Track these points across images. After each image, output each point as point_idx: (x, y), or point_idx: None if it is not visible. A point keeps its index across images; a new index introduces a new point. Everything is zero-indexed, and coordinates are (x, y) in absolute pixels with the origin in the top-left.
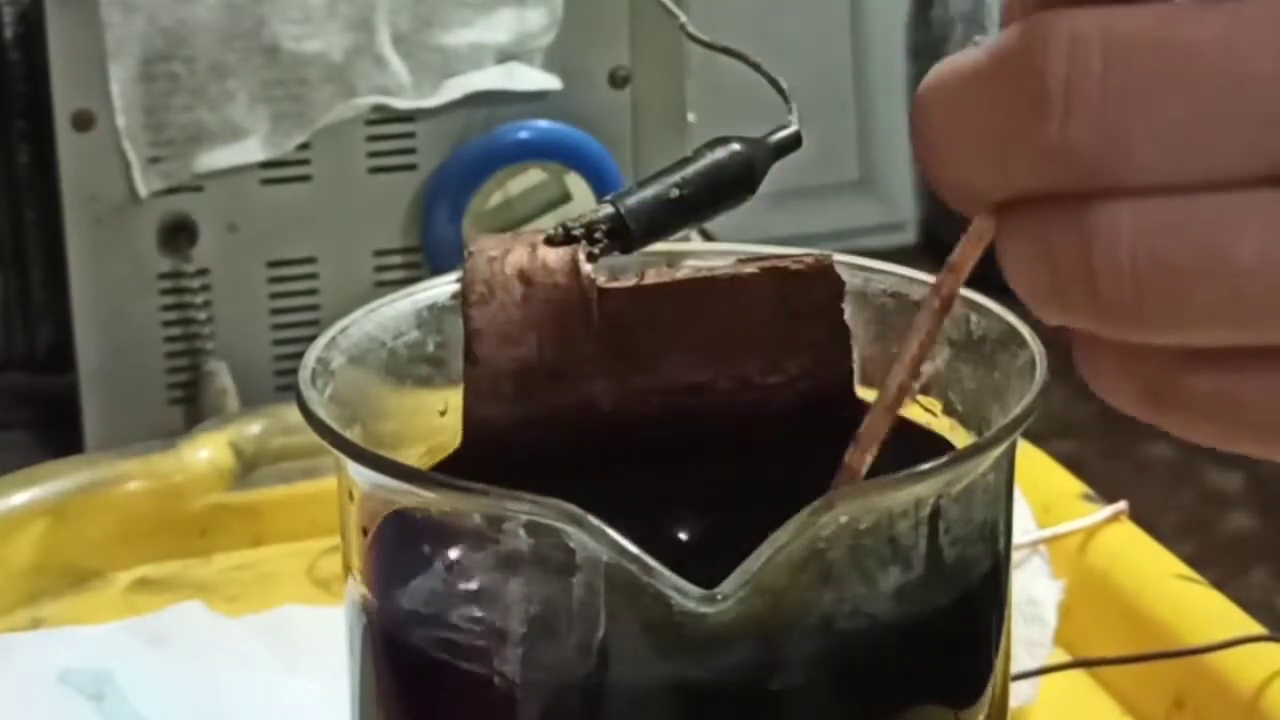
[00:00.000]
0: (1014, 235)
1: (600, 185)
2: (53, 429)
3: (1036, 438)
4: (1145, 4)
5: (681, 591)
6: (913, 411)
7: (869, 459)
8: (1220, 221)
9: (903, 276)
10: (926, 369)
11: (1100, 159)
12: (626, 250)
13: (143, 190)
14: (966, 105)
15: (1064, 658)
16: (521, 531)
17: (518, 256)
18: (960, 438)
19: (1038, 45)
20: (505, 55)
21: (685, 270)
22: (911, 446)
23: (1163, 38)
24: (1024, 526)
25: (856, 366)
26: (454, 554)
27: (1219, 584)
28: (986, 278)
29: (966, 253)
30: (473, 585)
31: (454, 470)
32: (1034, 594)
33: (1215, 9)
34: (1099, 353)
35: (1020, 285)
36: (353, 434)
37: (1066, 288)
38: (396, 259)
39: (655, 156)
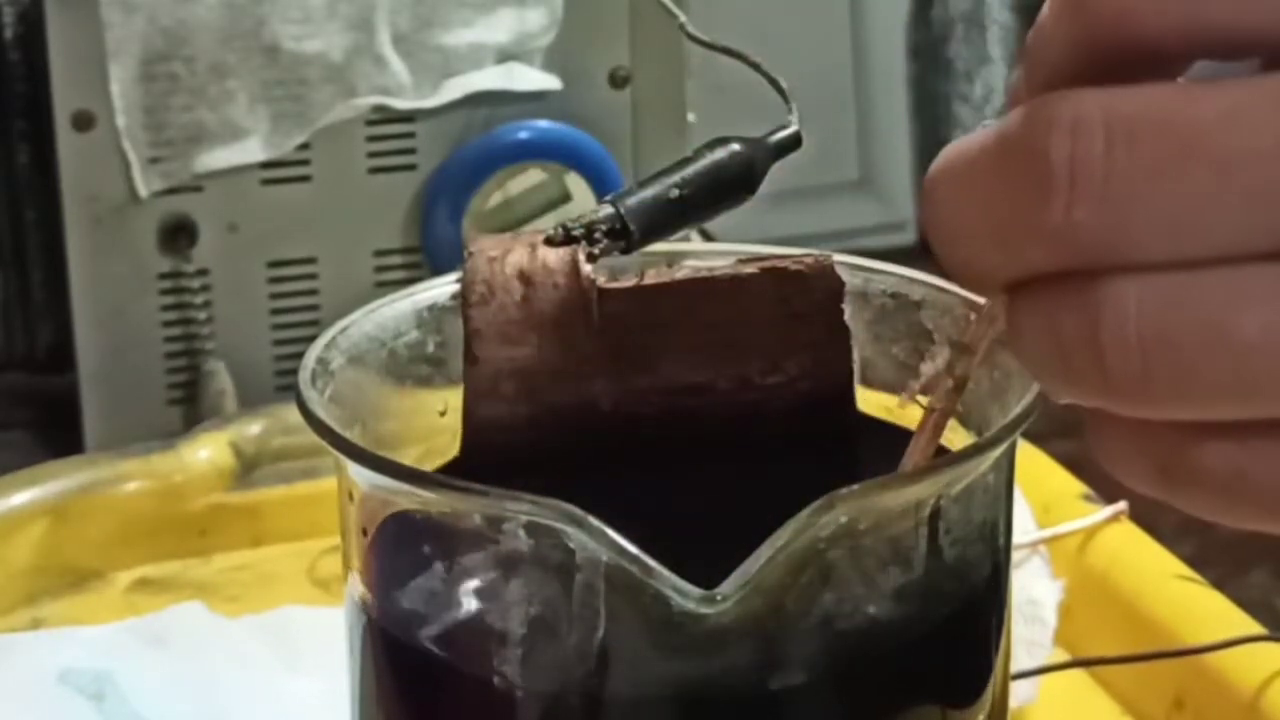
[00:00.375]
0: (1023, 315)
1: (600, 185)
2: (53, 429)
3: (1036, 438)
4: (1149, 85)
5: (681, 592)
6: (913, 412)
7: None
8: (1224, 297)
9: (903, 276)
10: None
11: (1105, 238)
12: (626, 250)
13: (143, 190)
14: (973, 188)
15: (1064, 658)
16: (521, 532)
17: (518, 256)
18: (960, 438)
19: (1041, 127)
20: (505, 55)
21: (685, 270)
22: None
23: (1165, 117)
24: (1024, 526)
25: (856, 366)
26: (454, 555)
27: (1219, 584)
28: None
29: (978, 333)
30: (473, 586)
31: (454, 471)
32: (1034, 594)
33: (1217, 89)
34: (1110, 431)
35: (1030, 363)
36: (353, 434)
37: (1074, 364)
38: (396, 259)
39: (655, 156)
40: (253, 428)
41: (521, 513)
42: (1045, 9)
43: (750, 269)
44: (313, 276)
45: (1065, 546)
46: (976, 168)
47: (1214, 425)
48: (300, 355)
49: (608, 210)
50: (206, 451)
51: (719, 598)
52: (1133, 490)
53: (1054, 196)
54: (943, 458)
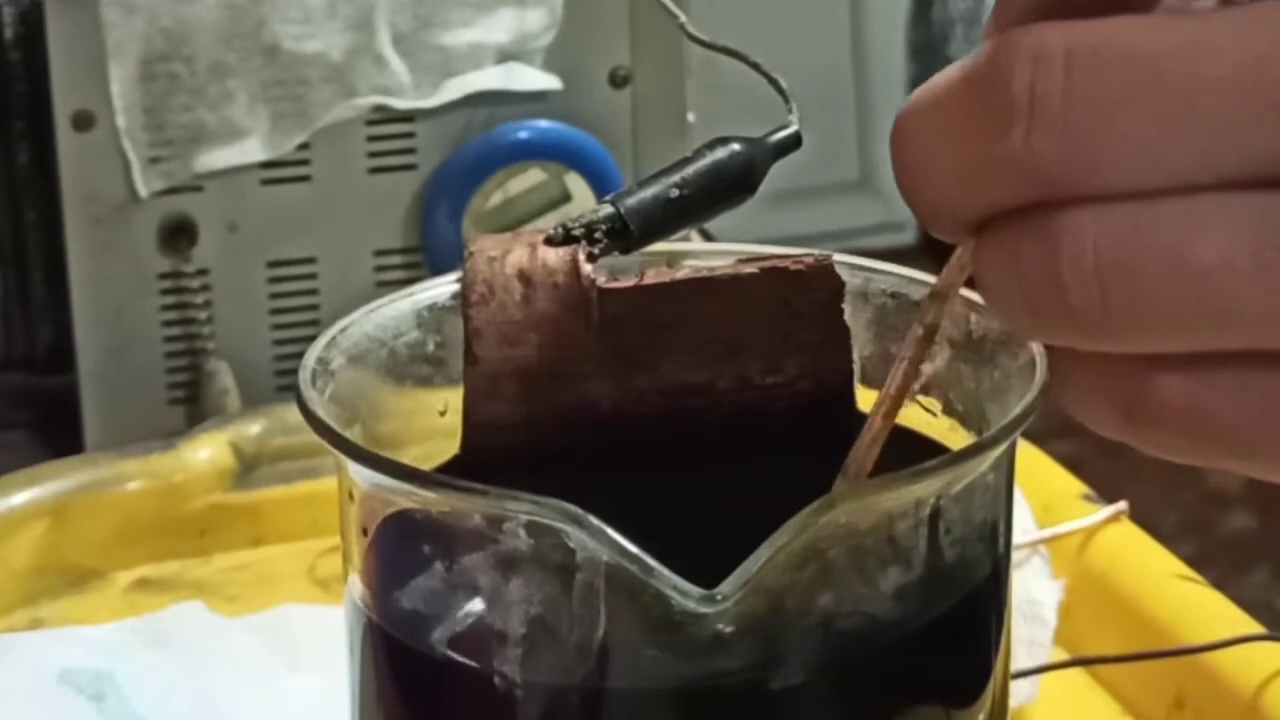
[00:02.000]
0: (988, 251)
1: (600, 185)
2: (53, 429)
3: (1036, 438)
4: (1112, 18)
5: (681, 591)
6: (913, 412)
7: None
8: (1183, 225)
9: (903, 276)
10: (926, 368)
11: (1065, 167)
12: (626, 250)
13: (143, 190)
14: (938, 125)
15: (1064, 657)
16: (521, 531)
17: (518, 256)
18: (960, 438)
19: (1004, 59)
20: (505, 55)
21: (685, 270)
22: (911, 447)
23: (1126, 47)
24: (1024, 526)
25: (856, 366)
26: (454, 554)
27: (1219, 584)
28: None
29: (950, 279)
30: (473, 585)
31: (454, 470)
32: (1034, 594)
33: (1178, 19)
34: (1073, 371)
35: (994, 301)
36: (353, 434)
37: (1036, 297)
38: (396, 259)
39: (655, 156)
40: (253, 428)
41: (521, 512)
42: None
43: (750, 269)
44: (313, 276)
45: (1065, 546)
46: (941, 104)
47: (1174, 358)
48: (300, 355)
49: (608, 210)
50: (206, 451)
51: (719, 597)
52: (1133, 490)
53: (1014, 125)
54: (943, 457)
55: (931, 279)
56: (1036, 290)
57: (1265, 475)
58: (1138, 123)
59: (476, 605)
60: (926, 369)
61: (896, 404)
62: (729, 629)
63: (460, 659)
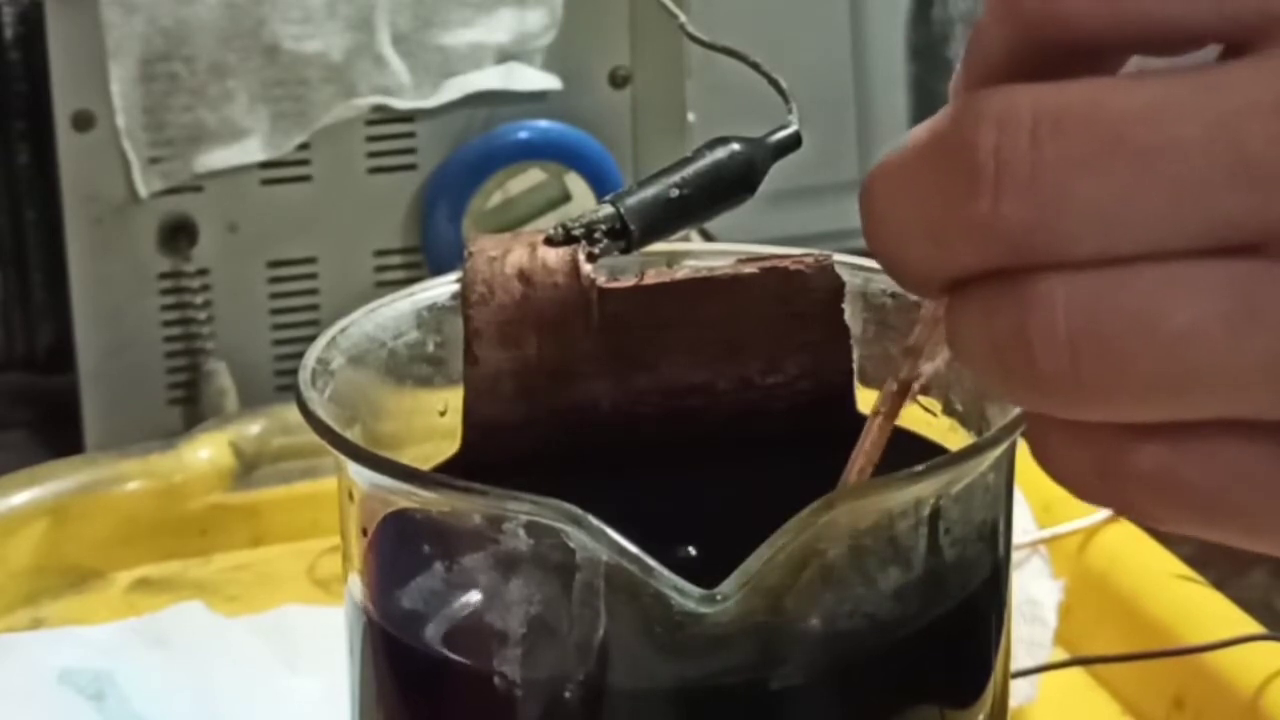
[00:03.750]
0: (959, 314)
1: (600, 185)
2: (53, 429)
3: None
4: (1079, 80)
5: (681, 591)
6: (913, 412)
7: None
8: (1152, 292)
9: None
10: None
11: (1033, 233)
12: (626, 250)
13: (143, 190)
14: (907, 186)
15: (1064, 657)
16: (521, 531)
17: (518, 256)
18: (960, 438)
19: (970, 120)
20: (505, 55)
21: (685, 270)
22: (911, 447)
23: (1091, 110)
24: (1024, 526)
25: (856, 366)
26: (454, 554)
27: (1219, 584)
28: None
29: (921, 337)
30: (472, 585)
31: (454, 470)
32: (1034, 594)
33: (1143, 82)
34: (1048, 434)
35: (969, 364)
36: (353, 434)
37: (1007, 363)
38: (396, 259)
39: (655, 156)
40: (253, 428)
41: (521, 512)
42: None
43: (750, 269)
44: (313, 276)
45: (1065, 546)
46: (909, 166)
47: (1147, 427)
48: (300, 355)
49: (608, 210)
50: (206, 451)
51: (719, 597)
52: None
53: (981, 189)
54: (942, 457)
55: None
56: (1007, 354)
57: (1239, 544)
58: (1104, 187)
59: (476, 605)
60: (927, 369)
61: (871, 459)
62: (729, 629)
63: (460, 659)
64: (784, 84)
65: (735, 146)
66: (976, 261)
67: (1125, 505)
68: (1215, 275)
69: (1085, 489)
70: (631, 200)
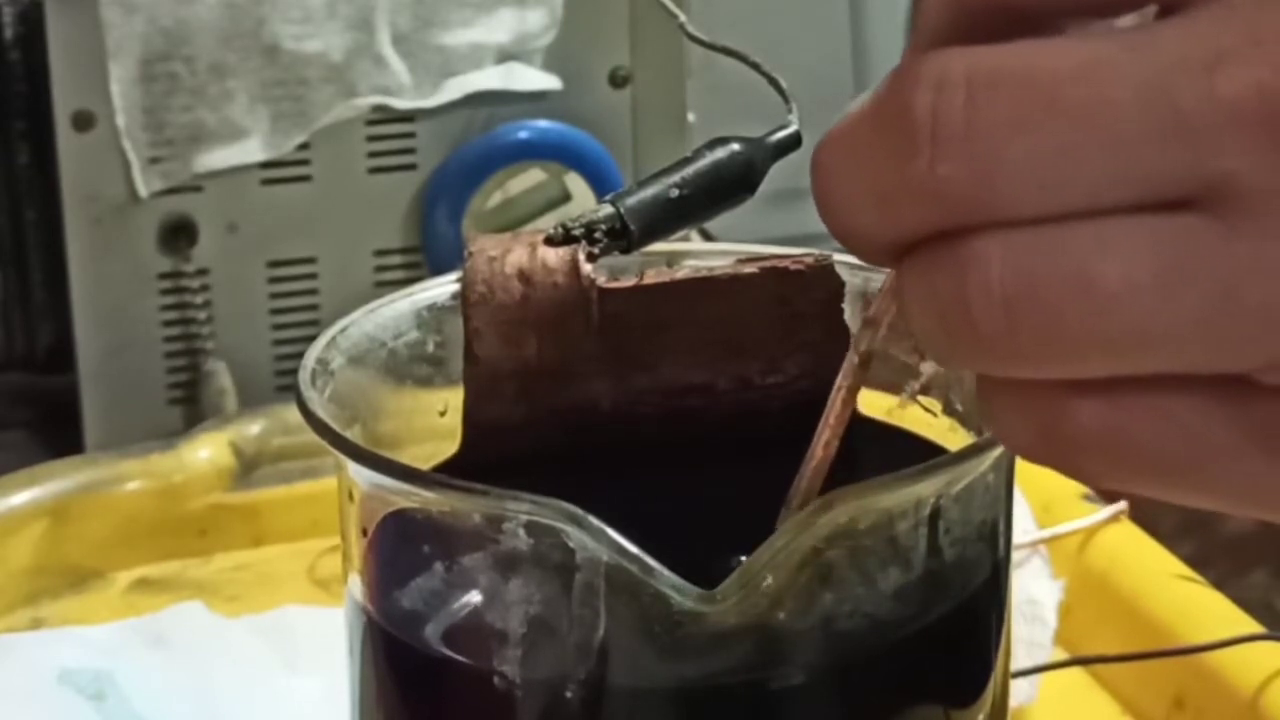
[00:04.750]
0: (906, 279)
1: (600, 185)
2: (53, 429)
3: None
4: (1016, 42)
5: (681, 591)
6: (913, 412)
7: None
8: (1087, 249)
9: None
10: (926, 368)
11: (971, 193)
12: (626, 250)
13: (143, 190)
14: (851, 152)
15: (1064, 657)
16: (521, 531)
17: (518, 256)
18: (960, 438)
19: (907, 84)
20: (505, 55)
21: (685, 270)
22: (911, 447)
23: (1025, 71)
24: (1024, 526)
25: None
26: (454, 554)
27: (1219, 584)
28: None
29: (881, 307)
30: (472, 585)
31: (454, 470)
32: (1034, 594)
33: (1079, 42)
34: (993, 397)
35: (915, 327)
36: (353, 434)
37: (948, 323)
38: (396, 259)
39: (655, 156)
40: (253, 428)
41: (521, 512)
42: None
43: (750, 269)
44: (313, 276)
45: (1065, 546)
46: (851, 132)
47: (1088, 384)
48: (300, 355)
49: (608, 210)
50: (206, 451)
51: (719, 597)
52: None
53: (918, 151)
54: (942, 457)
55: None
56: (947, 313)
57: (1186, 500)
58: (1038, 146)
59: (476, 605)
60: (927, 369)
61: (836, 432)
62: (729, 629)
63: (460, 658)
64: (784, 84)
65: (735, 146)
66: (918, 223)
67: (1070, 465)
68: (1148, 232)
69: (1031, 450)
70: (631, 200)
